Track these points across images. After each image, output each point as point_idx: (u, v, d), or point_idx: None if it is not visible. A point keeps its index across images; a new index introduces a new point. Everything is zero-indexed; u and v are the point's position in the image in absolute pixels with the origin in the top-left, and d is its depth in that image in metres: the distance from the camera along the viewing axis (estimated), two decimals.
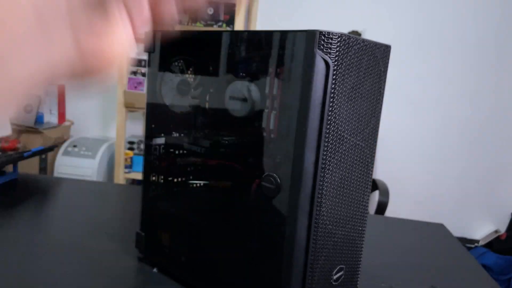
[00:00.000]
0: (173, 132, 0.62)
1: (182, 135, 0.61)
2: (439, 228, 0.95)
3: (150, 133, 0.61)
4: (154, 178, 0.62)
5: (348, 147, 0.45)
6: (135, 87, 2.10)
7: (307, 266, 0.44)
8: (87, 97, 2.55)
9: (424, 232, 0.91)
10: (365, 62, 0.46)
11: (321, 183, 0.43)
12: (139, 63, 2.18)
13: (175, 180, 0.61)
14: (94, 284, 0.56)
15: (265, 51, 0.49)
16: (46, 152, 1.21)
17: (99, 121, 2.58)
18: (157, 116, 0.62)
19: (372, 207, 1.84)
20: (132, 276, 0.59)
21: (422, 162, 2.14)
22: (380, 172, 2.18)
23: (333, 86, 0.41)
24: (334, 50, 0.40)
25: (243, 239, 0.49)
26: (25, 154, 0.96)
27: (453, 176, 2.15)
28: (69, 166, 2.23)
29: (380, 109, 0.50)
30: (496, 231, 2.15)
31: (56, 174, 2.24)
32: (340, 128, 0.43)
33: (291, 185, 0.43)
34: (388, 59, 0.49)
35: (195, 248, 0.56)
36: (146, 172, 0.62)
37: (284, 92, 0.45)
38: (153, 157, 0.61)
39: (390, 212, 2.21)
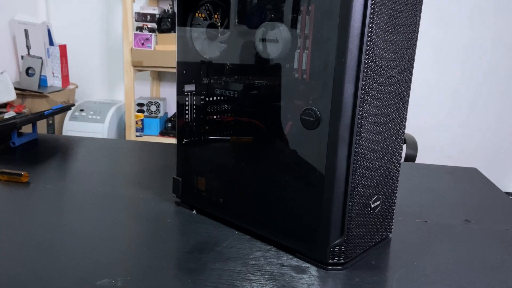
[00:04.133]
0: (204, 78, 0.68)
1: (213, 80, 0.67)
2: (473, 172, 1.01)
3: (181, 79, 0.67)
4: (188, 124, 0.68)
5: (385, 78, 0.51)
6: (142, 44, 2.14)
7: (347, 194, 0.51)
8: (91, 58, 2.60)
9: (458, 176, 0.97)
10: None
11: (360, 113, 0.48)
12: (144, 17, 2.21)
13: (209, 125, 0.68)
14: (137, 227, 0.64)
15: None
16: (65, 111, 1.29)
17: (104, 83, 2.65)
18: (188, 62, 0.67)
19: None
20: (172, 217, 0.67)
21: (451, 113, 2.17)
22: (406, 124, 2.22)
23: (371, 16, 0.46)
24: None
25: (283, 173, 0.56)
26: (46, 113, 1.04)
27: (486, 126, 2.18)
28: (77, 131, 2.32)
29: (416, 41, 0.55)
30: None
31: None
32: (378, 59, 0.49)
33: (331, 116, 0.49)
34: None
35: (233, 189, 0.63)
36: (180, 118, 0.68)
37: (319, 27, 0.50)
38: (186, 104, 0.68)
39: None
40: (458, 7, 2.11)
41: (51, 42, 2.31)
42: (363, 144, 0.50)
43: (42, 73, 2.33)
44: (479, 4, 2.09)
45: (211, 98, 0.67)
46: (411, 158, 1.85)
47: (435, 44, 2.15)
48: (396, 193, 0.60)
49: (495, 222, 0.70)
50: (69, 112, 2.38)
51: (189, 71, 0.67)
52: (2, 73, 1.72)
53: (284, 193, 0.56)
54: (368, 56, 0.47)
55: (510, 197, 2.04)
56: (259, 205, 0.59)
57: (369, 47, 0.47)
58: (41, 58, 2.27)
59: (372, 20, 0.46)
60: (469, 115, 2.20)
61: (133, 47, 2.14)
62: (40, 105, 2.27)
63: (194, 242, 0.59)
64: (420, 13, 0.54)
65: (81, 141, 1.11)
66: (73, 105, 1.17)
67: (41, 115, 1.02)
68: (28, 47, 2.27)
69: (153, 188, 0.78)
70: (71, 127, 2.35)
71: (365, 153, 0.51)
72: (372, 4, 0.45)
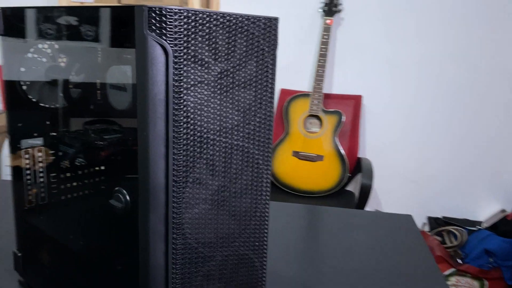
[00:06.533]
0: (48, 131, 0.57)
1: (53, 134, 0.56)
2: (406, 221, 0.91)
3: (15, 133, 0.56)
4: (28, 187, 0.57)
5: (219, 150, 0.41)
6: None
7: None
8: None
9: (388, 227, 0.88)
10: (239, 42, 0.40)
11: (178, 199, 0.38)
12: None
13: (52, 188, 0.57)
14: None
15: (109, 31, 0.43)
16: None
17: None
18: (21, 113, 0.57)
19: (357, 190, 1.80)
20: None
21: (414, 135, 2.09)
22: (368, 149, 2.13)
23: (178, 77, 0.36)
24: (171, 32, 0.34)
25: (104, 264, 0.45)
26: None
27: (452, 150, 2.10)
28: None
29: (271, 97, 0.45)
30: (502, 211, 2.12)
31: (3, 167, 2.20)
32: (202, 129, 0.38)
33: (140, 203, 0.38)
34: (275, 35, 0.43)
35: (70, 272, 0.52)
36: (17, 181, 0.57)
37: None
38: (22, 163, 0.57)
39: (382, 193, 2.18)
40: (409, 23, 2.04)
41: None
42: (189, 236, 0.40)
43: None
44: (431, 19, 2.03)
45: (50, 156, 0.56)
46: (366, 188, 1.76)
47: (389, 61, 2.08)
48: (263, 283, 0.49)
49: None
50: None
51: (23, 123, 0.57)
52: None
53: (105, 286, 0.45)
54: (181, 127, 0.37)
55: (477, 227, 1.94)
56: None
57: (182, 117, 0.36)
58: None
59: (181, 83, 0.36)
60: (431, 135, 2.12)
61: None
62: None
63: None
64: (273, 62, 0.44)
65: None
66: None
67: None
68: None
69: (1, 257, 0.66)
70: None
71: (193, 246, 0.40)
72: (177, 63, 0.35)
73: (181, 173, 0.38)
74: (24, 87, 0.56)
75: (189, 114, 0.37)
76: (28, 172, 0.57)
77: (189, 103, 0.37)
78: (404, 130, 2.13)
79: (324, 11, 1.92)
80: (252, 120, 0.43)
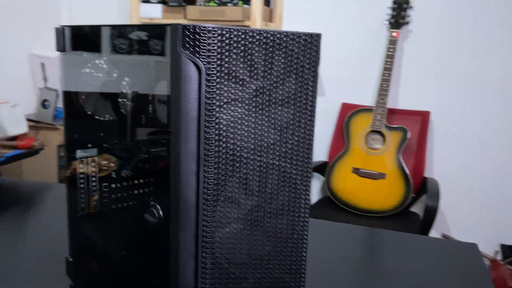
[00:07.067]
0: (102, 143, 0.60)
1: (106, 145, 0.58)
2: (470, 250, 0.84)
3: (71, 143, 0.60)
4: (81, 196, 0.60)
5: (253, 169, 0.40)
6: None
7: None
8: None
9: (450, 256, 0.81)
10: (276, 59, 0.39)
11: (208, 218, 0.38)
12: None
13: (105, 197, 0.59)
14: None
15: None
16: (27, 157, 1.25)
17: None
18: (77, 125, 0.60)
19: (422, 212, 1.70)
20: None
21: (487, 155, 1.93)
22: (435, 168, 2.01)
23: (211, 95, 0.35)
24: (204, 50, 0.34)
25: (141, 277, 0.46)
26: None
27: None
28: None
29: (312, 114, 0.44)
30: None
31: None
32: (235, 147, 0.38)
33: (171, 219, 0.38)
34: (317, 51, 0.42)
35: (115, 281, 0.54)
36: (71, 188, 0.60)
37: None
38: (76, 172, 0.60)
39: (450, 216, 2.04)
40: (481, 35, 1.90)
41: None
42: (218, 255, 0.39)
43: (58, 105, 2.38)
44: (504, 31, 1.88)
45: (107, 166, 0.59)
46: (431, 210, 1.65)
47: (459, 75, 1.95)
48: None
49: None
50: None
51: (79, 134, 0.60)
52: (14, 106, 1.75)
53: None
54: (213, 145, 0.36)
55: None
56: None
57: (214, 134, 0.36)
58: (56, 90, 2.32)
59: (213, 100, 0.36)
60: (504, 155, 1.96)
61: None
62: (53, 138, 2.31)
63: None
64: (314, 79, 0.43)
65: (47, 188, 1.07)
66: (42, 148, 1.14)
67: None
68: (45, 80, 2.34)
69: (54, 262, 0.69)
70: None
71: (223, 266, 0.39)
72: (209, 80, 0.35)
73: (211, 191, 0.37)
74: (81, 100, 0.59)
75: (221, 131, 0.37)
76: (82, 181, 0.60)
77: (221, 120, 0.36)
78: (475, 150, 1.99)
79: (390, 23, 1.86)
80: (290, 139, 0.42)
